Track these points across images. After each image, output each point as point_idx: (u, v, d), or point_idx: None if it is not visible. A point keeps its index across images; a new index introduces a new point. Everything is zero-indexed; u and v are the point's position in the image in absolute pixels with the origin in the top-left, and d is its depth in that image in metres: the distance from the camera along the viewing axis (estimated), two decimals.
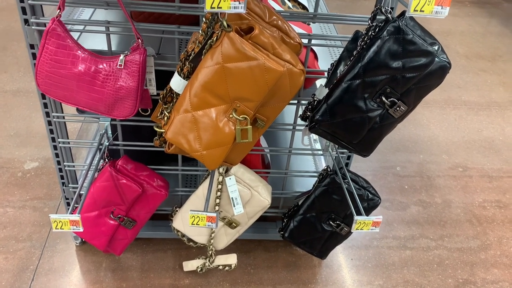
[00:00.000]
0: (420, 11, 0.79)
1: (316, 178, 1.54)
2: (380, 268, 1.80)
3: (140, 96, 1.22)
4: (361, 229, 1.13)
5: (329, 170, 1.48)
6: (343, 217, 1.51)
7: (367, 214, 1.49)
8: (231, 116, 1.00)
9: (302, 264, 1.78)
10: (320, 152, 1.53)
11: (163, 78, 1.32)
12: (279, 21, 1.09)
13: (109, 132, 1.42)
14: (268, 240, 1.83)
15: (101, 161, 1.45)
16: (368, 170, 2.30)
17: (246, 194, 1.42)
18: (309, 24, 1.45)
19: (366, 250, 1.87)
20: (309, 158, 1.88)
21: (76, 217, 1.19)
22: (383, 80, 1.05)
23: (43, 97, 1.35)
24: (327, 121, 1.09)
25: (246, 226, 1.53)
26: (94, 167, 1.42)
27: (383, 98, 1.07)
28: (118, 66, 1.18)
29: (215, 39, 0.95)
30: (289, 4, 1.77)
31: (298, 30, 1.28)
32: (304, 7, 1.75)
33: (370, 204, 1.49)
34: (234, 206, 1.42)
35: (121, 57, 1.17)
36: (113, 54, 1.26)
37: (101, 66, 1.17)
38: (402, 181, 2.25)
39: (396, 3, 1.18)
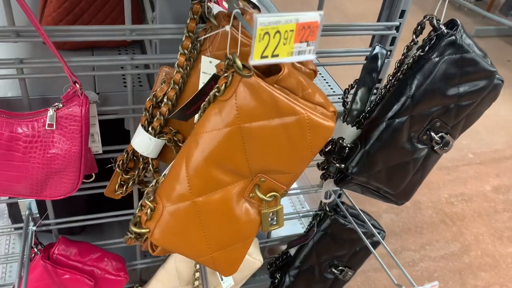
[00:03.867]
0: None
1: (298, 219, 1.27)
2: None
3: (84, 163, 0.83)
4: None
5: (327, 209, 1.21)
6: (346, 260, 1.26)
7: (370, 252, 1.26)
8: (252, 195, 0.67)
9: None
10: (313, 190, 1.25)
11: (105, 128, 0.94)
12: None
13: (34, 209, 1.00)
14: None
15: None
16: None
17: None
18: None
19: (353, 278, 1.65)
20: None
21: None
22: (434, 112, 0.79)
23: None
24: (365, 173, 0.81)
25: None
26: (25, 261, 0.98)
27: (432, 134, 0.81)
28: (47, 127, 0.77)
29: (223, 87, 0.60)
30: (240, 3, 1.45)
31: None
32: (255, 6, 1.44)
33: (375, 239, 1.25)
34: (221, 279, 1.09)
35: (50, 112, 0.77)
36: (31, 105, 0.85)
37: (20, 130, 0.76)
38: None
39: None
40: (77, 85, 0.76)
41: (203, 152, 0.63)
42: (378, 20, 0.99)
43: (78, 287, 1.00)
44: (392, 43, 1.00)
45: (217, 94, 0.61)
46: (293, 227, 1.43)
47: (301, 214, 1.36)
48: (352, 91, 0.88)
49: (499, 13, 3.89)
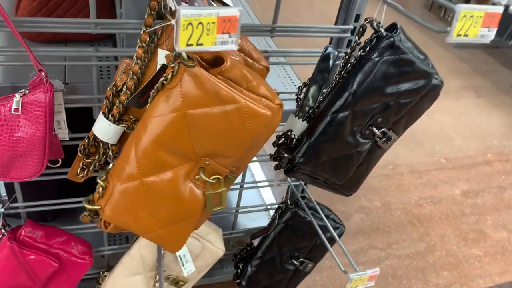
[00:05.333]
0: (464, 35, 0.60)
1: (265, 212, 1.33)
2: None
3: (48, 147, 0.88)
4: (356, 287, 0.93)
5: (288, 202, 1.27)
6: (307, 252, 1.31)
7: (332, 244, 1.32)
8: (197, 177, 0.72)
9: None
10: (277, 184, 1.31)
11: (74, 117, 0.99)
12: (240, 40, 0.83)
13: (2, 191, 1.04)
14: (212, 284, 1.57)
15: None
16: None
17: (196, 247, 1.16)
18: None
19: (319, 273, 1.71)
20: (253, 190, 1.64)
21: None
22: (375, 108, 0.85)
23: None
24: (311, 163, 0.87)
25: (195, 280, 1.26)
26: None
27: (374, 129, 0.88)
28: (13, 112, 0.83)
29: (170, 76, 0.66)
30: (214, 5, 1.51)
31: None
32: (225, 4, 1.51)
33: (336, 233, 1.31)
34: (183, 265, 1.14)
35: (17, 97, 0.82)
36: (2, 92, 0.90)
37: None
38: None
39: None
40: (42, 73, 0.82)
41: (150, 136, 0.69)
42: (336, 23, 1.06)
43: (44, 268, 1.05)
44: (348, 46, 1.07)
45: (164, 82, 0.67)
46: (260, 220, 1.49)
47: (268, 207, 1.41)
48: (305, 89, 0.95)
49: None
